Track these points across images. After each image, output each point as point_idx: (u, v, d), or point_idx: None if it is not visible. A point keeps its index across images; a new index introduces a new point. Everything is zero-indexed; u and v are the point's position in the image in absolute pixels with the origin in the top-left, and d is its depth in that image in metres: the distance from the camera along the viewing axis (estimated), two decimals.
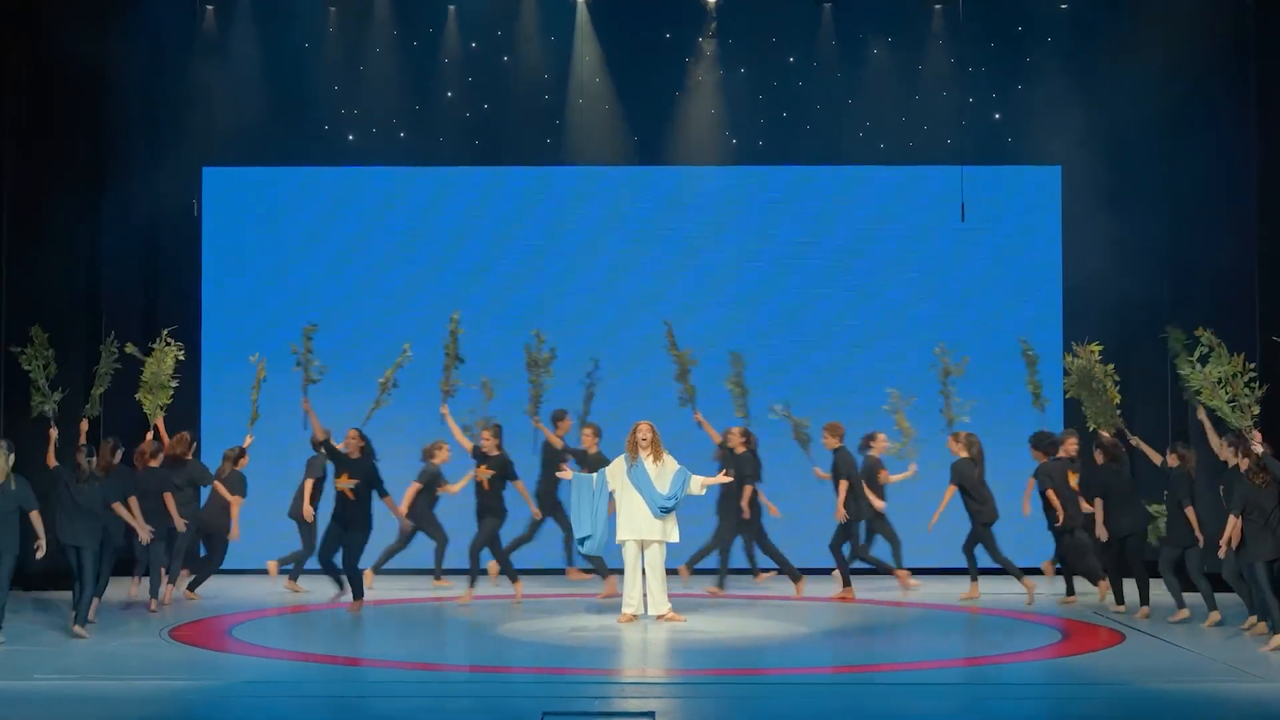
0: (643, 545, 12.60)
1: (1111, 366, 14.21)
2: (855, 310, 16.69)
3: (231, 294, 16.67)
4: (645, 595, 12.57)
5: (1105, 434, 13.78)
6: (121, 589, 13.90)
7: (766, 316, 16.66)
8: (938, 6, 16.52)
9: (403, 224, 16.80)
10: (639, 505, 12.55)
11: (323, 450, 13.59)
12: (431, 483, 14.83)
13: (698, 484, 12.68)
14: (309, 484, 14.56)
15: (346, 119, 16.68)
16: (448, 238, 16.77)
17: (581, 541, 12.77)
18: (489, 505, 13.70)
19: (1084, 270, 16.25)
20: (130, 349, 14.09)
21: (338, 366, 14.92)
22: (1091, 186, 16.32)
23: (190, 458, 13.99)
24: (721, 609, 13.44)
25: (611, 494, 12.68)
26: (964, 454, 14.21)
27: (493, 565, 14.51)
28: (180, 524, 13.27)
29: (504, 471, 13.77)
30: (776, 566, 14.56)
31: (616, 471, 12.70)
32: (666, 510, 12.51)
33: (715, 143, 16.76)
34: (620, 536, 12.64)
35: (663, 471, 12.59)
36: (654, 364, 15.75)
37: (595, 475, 12.78)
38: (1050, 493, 13.91)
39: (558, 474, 13.16)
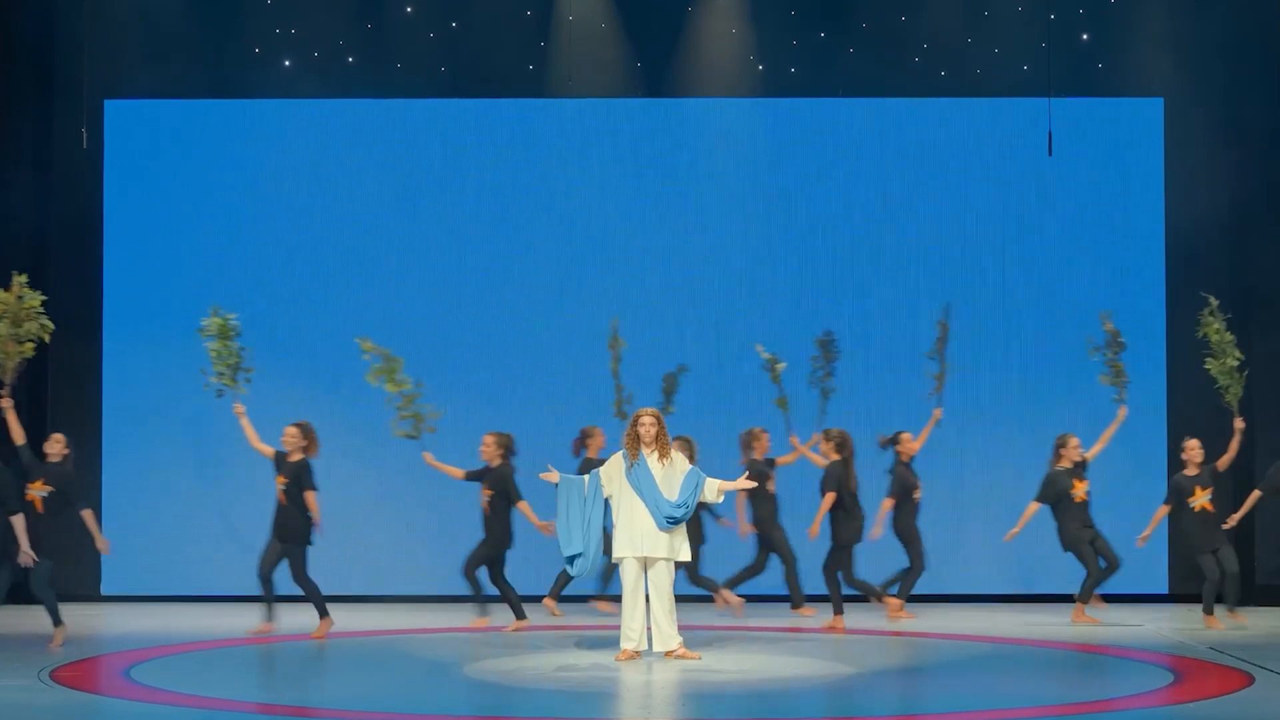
0: (645, 564, 12.22)
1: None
2: (902, 276, 16.70)
3: (140, 254, 16.67)
4: (649, 627, 12.24)
5: None
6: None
7: (797, 278, 16.64)
8: None
9: (351, 169, 16.76)
10: (641, 514, 12.17)
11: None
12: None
13: (713, 488, 12.32)
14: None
15: (281, 41, 16.67)
16: (406, 185, 16.79)
17: (570, 560, 12.40)
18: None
19: (1191, 220, 16.43)
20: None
21: (274, 342, 15.54)
22: (1200, 121, 16.64)
23: None
24: (745, 644, 13.19)
25: (608, 501, 12.33)
26: (835, 456, 14.19)
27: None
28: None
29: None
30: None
31: (614, 473, 12.33)
32: (675, 521, 12.16)
33: (737, 70, 16.77)
34: (618, 553, 12.26)
35: (670, 473, 12.22)
36: (665, 337, 16.15)
37: (587, 478, 12.44)
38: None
39: (541, 475, 12.65)
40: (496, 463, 14.09)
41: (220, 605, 15.67)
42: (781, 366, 15.11)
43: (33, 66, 16.20)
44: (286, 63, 16.53)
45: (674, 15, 16.56)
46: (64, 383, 16.21)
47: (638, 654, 12.14)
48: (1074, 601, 14.75)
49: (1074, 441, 14.71)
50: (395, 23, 16.56)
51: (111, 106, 16.48)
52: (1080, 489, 14.59)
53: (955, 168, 16.67)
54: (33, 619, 14.37)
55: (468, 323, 16.39)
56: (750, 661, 12.21)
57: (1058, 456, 14.66)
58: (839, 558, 14.11)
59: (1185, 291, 15.94)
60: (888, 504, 14.79)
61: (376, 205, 16.61)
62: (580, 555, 12.29)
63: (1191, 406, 15.70)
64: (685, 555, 12.27)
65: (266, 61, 16.53)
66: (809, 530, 14.13)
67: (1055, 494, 14.62)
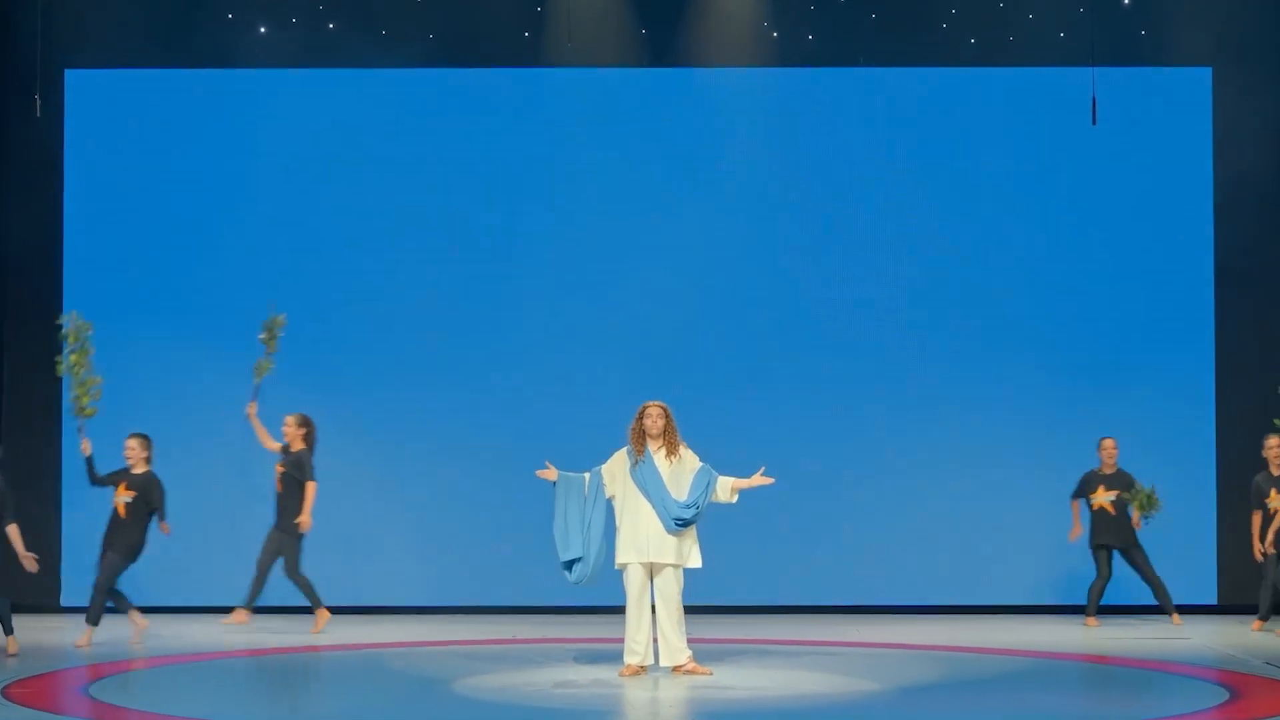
0: (651, 571, 12.11)
1: None
2: (925, 256, 16.72)
3: (102, 236, 16.63)
4: (655, 640, 12.18)
5: None
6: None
7: (812, 259, 16.63)
8: None
9: (332, 144, 16.74)
10: (646, 516, 12.05)
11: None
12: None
13: (727, 487, 12.21)
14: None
15: (257, 6, 16.71)
16: (391, 160, 16.75)
17: (568, 566, 12.33)
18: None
19: (1241, 195, 16.48)
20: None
21: (249, 329, 15.41)
22: (1250, 92, 16.53)
23: None
24: (760, 658, 13.16)
25: (610, 502, 12.26)
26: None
27: None
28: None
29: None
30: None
31: (617, 471, 12.23)
32: (684, 523, 12.04)
33: (750, 38, 16.77)
34: (621, 559, 12.15)
35: (679, 471, 12.11)
36: (662, 329, 16.17)
37: (588, 476, 12.37)
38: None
39: (538, 473, 12.60)
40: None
41: (187, 616, 15.64)
42: (279, 334, 15.24)
43: None
44: (262, 29, 16.51)
45: None
46: (19, 376, 16.20)
47: (643, 669, 12.07)
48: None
49: (1108, 443, 15.25)
50: None
51: (72, 76, 16.47)
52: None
53: (984, 142, 16.66)
54: None
55: (458, 304, 16.39)
56: (765, 677, 12.15)
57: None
58: None
59: (1234, 270, 16.16)
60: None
61: (359, 182, 16.54)
62: (579, 560, 12.21)
63: (1243, 395, 15.68)
64: (695, 561, 12.16)
65: (240, 28, 16.47)
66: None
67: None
